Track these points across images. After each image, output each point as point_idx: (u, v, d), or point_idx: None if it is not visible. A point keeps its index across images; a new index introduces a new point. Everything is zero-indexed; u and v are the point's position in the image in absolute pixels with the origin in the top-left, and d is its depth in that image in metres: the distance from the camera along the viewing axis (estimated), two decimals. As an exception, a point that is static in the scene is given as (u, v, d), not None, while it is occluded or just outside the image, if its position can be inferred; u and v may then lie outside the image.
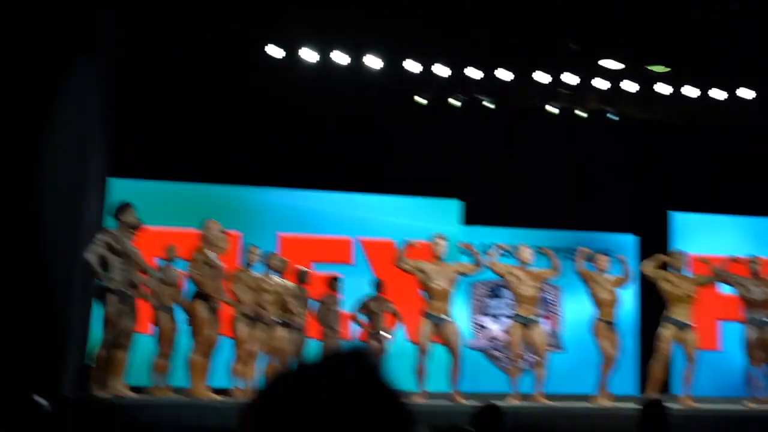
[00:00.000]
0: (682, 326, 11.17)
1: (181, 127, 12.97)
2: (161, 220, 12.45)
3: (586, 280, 11.30)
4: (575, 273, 11.68)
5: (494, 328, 14.54)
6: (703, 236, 14.50)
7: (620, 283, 11.50)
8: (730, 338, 13.26)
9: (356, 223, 14.05)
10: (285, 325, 11.24)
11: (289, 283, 11.62)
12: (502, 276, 11.36)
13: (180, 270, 10.90)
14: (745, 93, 13.77)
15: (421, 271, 10.80)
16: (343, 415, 1.18)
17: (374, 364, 1.26)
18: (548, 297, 14.48)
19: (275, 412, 1.21)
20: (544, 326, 11.71)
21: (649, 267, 11.47)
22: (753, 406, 11.18)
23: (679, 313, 11.18)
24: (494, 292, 14.42)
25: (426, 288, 10.78)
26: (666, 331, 11.20)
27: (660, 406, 6.04)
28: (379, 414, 1.20)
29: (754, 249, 12.90)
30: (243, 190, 13.71)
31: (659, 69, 13.41)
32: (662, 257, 11.64)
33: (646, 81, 13.60)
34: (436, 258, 10.90)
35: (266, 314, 10.98)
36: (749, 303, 11.44)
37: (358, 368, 1.25)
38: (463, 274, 11.14)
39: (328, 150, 13.53)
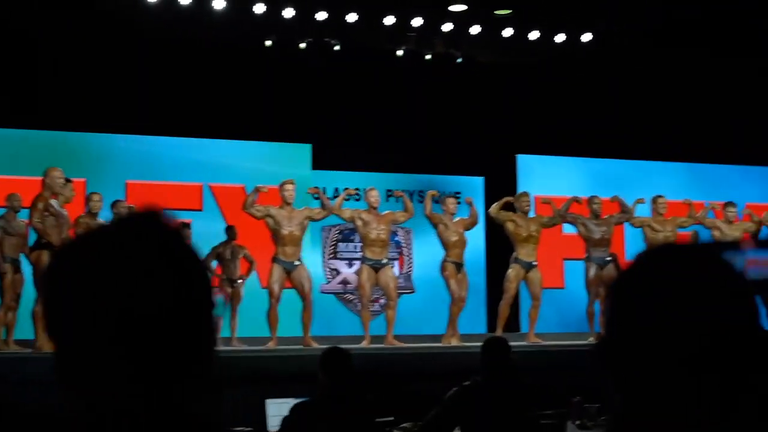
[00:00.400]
0: (528, 266, 11.46)
1: (20, 72, 12.54)
2: (1, 168, 12.08)
3: (434, 222, 11.43)
4: (424, 216, 11.81)
5: (346, 271, 14.66)
6: (547, 178, 14.89)
7: (468, 225, 11.69)
8: (574, 276, 13.71)
9: (206, 169, 13.91)
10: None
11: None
12: (349, 221, 11.40)
13: (24, 220, 10.57)
14: (585, 36, 14.16)
15: (271, 216, 10.74)
16: (139, 269, 1.17)
17: (170, 223, 1.25)
18: (399, 239, 14.68)
19: (70, 268, 1.20)
20: (394, 269, 11.77)
21: (495, 209, 11.69)
22: (594, 340, 11.59)
23: (524, 253, 11.46)
24: (345, 236, 14.52)
25: (276, 234, 10.72)
26: (513, 272, 11.49)
27: (501, 342, 6.19)
28: (177, 269, 1.20)
29: (594, 189, 13.31)
30: (89, 137, 13.37)
31: (503, 12, 13.61)
32: (508, 199, 11.88)
33: (491, 24, 13.79)
34: (286, 203, 10.84)
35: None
36: (590, 242, 11.81)
37: (154, 225, 1.24)
38: (312, 219, 11.12)
39: (176, 95, 13.27)
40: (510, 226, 11.51)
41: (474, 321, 13.77)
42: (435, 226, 11.38)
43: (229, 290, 12.33)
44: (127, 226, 1.25)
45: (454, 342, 11.16)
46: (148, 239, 1.22)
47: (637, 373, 1.23)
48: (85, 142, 13.33)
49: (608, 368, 1.27)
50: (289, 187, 10.85)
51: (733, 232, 12.13)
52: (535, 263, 11.50)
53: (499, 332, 11.14)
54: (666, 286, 1.22)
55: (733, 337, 1.19)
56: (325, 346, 10.45)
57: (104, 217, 10.98)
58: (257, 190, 10.89)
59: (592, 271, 11.71)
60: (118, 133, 13.43)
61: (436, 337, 11.66)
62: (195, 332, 1.19)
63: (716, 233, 12.16)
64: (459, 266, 11.39)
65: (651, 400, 1.21)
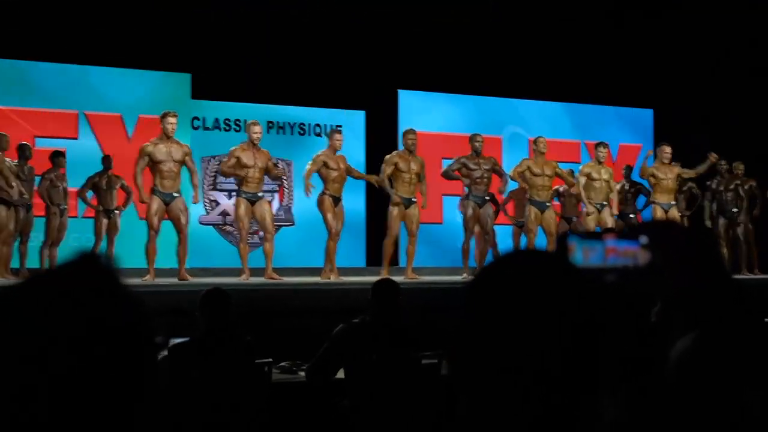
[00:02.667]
0: (408, 203, 11.45)
1: None
2: None
3: (317, 170, 11.23)
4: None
5: (226, 203, 14.55)
6: (428, 114, 15.00)
7: (349, 168, 11.43)
8: (452, 212, 13.94)
9: (82, 97, 13.56)
10: (4, 202, 10.67)
11: (9, 160, 11.09)
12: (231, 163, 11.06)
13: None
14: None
15: (149, 154, 10.43)
16: (74, 318, 1.18)
17: (108, 267, 1.25)
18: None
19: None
20: (272, 202, 11.55)
21: (384, 179, 11.44)
22: (468, 276, 11.78)
23: (405, 190, 11.44)
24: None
25: (154, 167, 10.45)
26: (394, 209, 11.44)
27: (391, 284, 6.27)
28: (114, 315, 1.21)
29: (474, 127, 13.46)
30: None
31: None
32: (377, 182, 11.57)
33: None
34: (166, 136, 10.55)
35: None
36: (469, 180, 11.88)
37: (91, 272, 1.23)
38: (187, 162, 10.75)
39: (53, 19, 12.86)
40: (389, 169, 11.42)
41: (354, 255, 13.89)
42: (318, 171, 11.20)
43: (106, 221, 12.16)
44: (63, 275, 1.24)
45: (333, 277, 11.17)
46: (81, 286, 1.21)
47: (480, 380, 1.27)
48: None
49: (456, 374, 1.31)
50: (172, 120, 10.51)
51: (603, 175, 12.43)
52: (414, 200, 11.53)
53: (384, 270, 11.13)
54: (512, 301, 1.26)
55: (573, 354, 1.24)
56: (201, 279, 10.44)
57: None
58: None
59: (470, 210, 11.84)
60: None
61: (317, 270, 11.65)
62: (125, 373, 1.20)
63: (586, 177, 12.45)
64: (337, 200, 11.28)
65: (492, 409, 1.26)
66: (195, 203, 11.01)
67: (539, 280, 1.28)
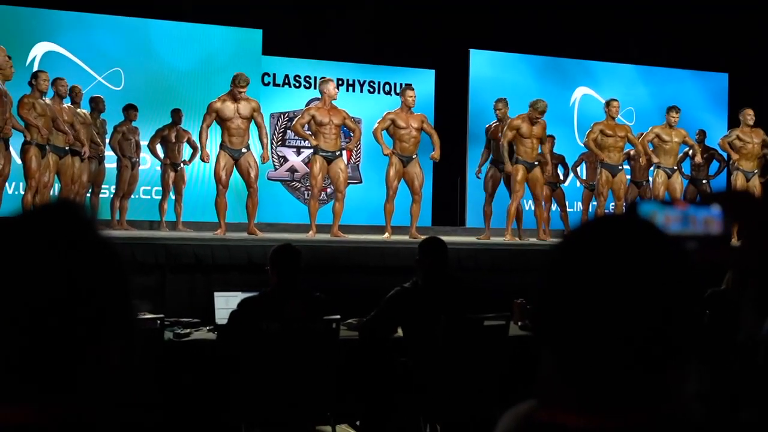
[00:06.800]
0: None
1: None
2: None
3: (383, 117, 11.11)
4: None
5: (294, 159, 14.60)
6: (498, 74, 14.87)
7: (423, 126, 11.21)
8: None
9: (154, 51, 13.65)
10: (74, 153, 10.69)
11: (82, 111, 11.20)
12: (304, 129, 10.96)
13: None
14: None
15: (216, 110, 10.36)
16: (49, 266, 1.16)
17: (84, 216, 1.23)
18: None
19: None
20: (344, 159, 11.41)
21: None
22: (514, 238, 11.52)
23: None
24: (295, 124, 14.43)
25: (222, 124, 10.39)
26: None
27: (438, 243, 6.25)
28: (90, 264, 1.19)
29: (544, 87, 13.30)
30: (33, 13, 13.05)
31: None
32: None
33: None
34: (239, 94, 10.43)
35: (61, 143, 10.50)
36: (520, 144, 11.54)
37: (66, 219, 1.22)
38: (255, 118, 10.65)
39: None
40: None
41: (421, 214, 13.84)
42: (386, 129, 11.02)
43: (173, 174, 12.27)
44: (37, 221, 1.23)
45: (387, 236, 10.93)
46: (54, 232, 1.20)
47: (570, 340, 1.26)
48: (30, 17, 13.02)
49: (542, 333, 1.30)
50: (243, 84, 10.39)
51: (674, 138, 12.17)
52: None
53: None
54: (606, 264, 1.24)
55: (671, 319, 1.23)
56: (269, 235, 10.47)
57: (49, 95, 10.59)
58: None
59: (519, 173, 11.47)
60: (60, 9, 13.09)
61: (383, 228, 11.56)
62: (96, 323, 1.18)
63: (656, 140, 12.16)
64: (407, 160, 11.00)
65: (581, 369, 1.24)
66: (264, 162, 10.93)
67: (631, 245, 1.27)
